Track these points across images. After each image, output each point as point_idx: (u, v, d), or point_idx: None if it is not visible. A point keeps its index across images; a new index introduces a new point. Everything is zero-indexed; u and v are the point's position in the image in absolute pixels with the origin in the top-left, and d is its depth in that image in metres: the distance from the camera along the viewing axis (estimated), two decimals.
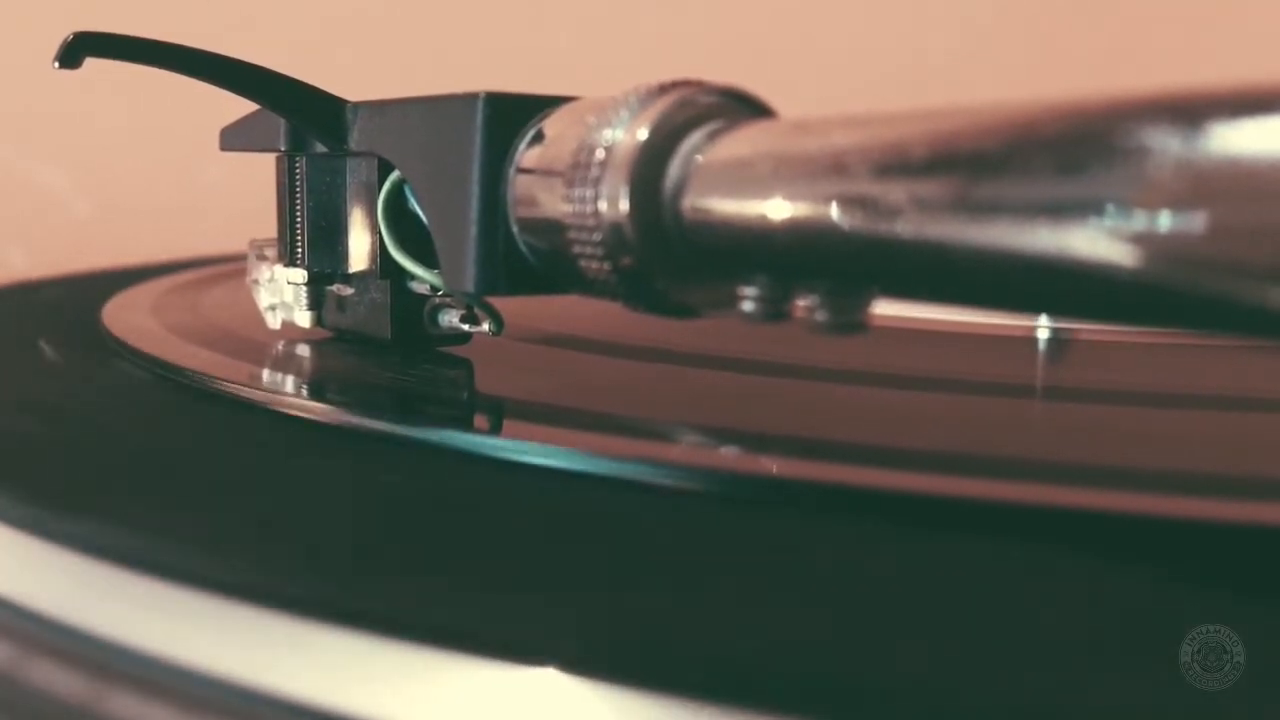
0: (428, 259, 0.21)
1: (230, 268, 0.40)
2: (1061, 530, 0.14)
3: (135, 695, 0.13)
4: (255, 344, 0.25)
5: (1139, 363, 0.25)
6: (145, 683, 0.13)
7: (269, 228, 0.27)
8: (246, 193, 0.45)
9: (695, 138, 0.17)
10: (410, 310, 0.23)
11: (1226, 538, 0.14)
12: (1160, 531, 0.14)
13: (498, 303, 0.22)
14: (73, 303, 0.33)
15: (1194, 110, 0.11)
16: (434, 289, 0.22)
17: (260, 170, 0.29)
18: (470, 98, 0.20)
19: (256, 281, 0.25)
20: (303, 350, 0.24)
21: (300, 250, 0.24)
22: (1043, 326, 0.28)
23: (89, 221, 0.54)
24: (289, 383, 0.22)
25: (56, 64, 0.19)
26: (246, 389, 0.21)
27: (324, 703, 0.12)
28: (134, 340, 0.25)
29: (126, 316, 0.29)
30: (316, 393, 0.21)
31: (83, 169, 0.54)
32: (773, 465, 0.16)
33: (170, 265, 0.41)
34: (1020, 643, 0.11)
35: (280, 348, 0.25)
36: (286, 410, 0.20)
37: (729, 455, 0.17)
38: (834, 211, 0.14)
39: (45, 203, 0.53)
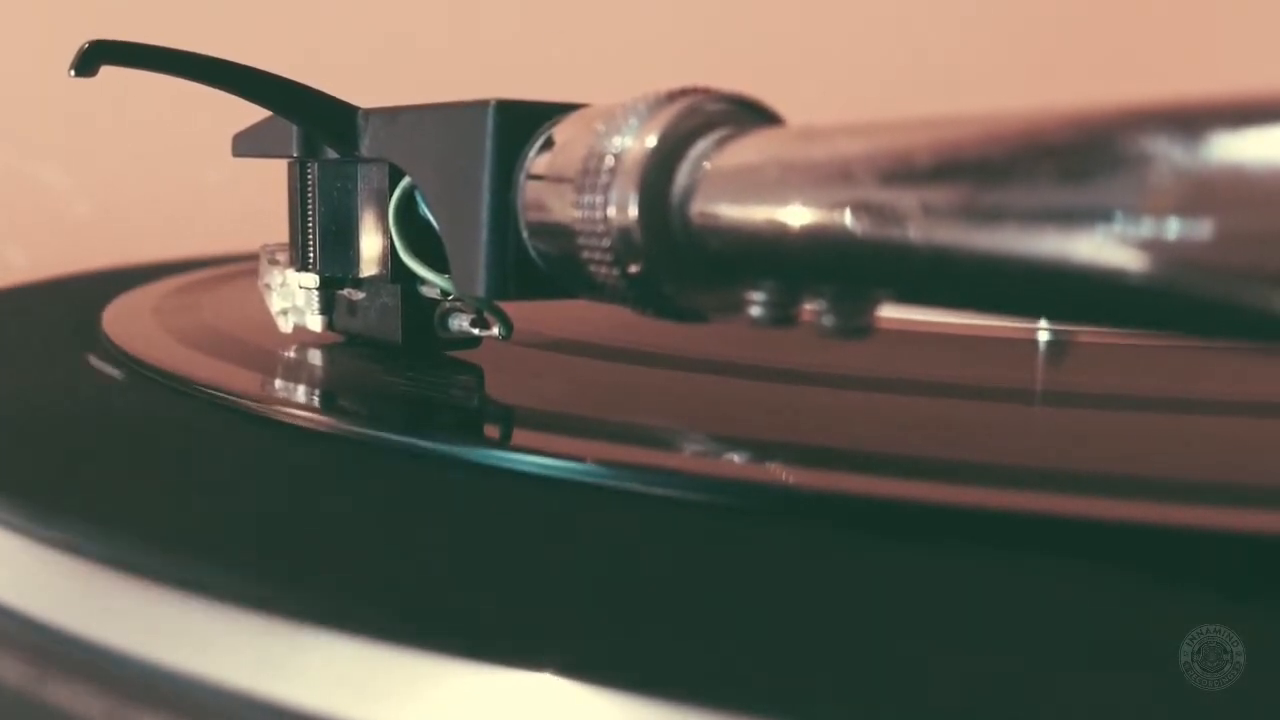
0: (438, 264, 0.22)
1: (232, 269, 0.40)
2: (1062, 535, 0.14)
3: (133, 701, 0.13)
4: (258, 348, 0.25)
5: (1140, 366, 0.25)
6: (141, 688, 0.13)
7: (269, 229, 0.27)
8: (247, 194, 0.46)
9: (703, 144, 0.17)
10: (421, 314, 0.23)
11: (1227, 543, 0.14)
12: (1161, 536, 0.14)
13: (507, 307, 0.22)
14: (73, 304, 0.33)
15: (1201, 119, 0.11)
16: (444, 293, 0.22)
17: (261, 172, 0.29)
18: (481, 105, 0.20)
19: (268, 286, 0.26)
20: (308, 355, 0.25)
21: (312, 255, 0.24)
22: (1043, 329, 0.28)
23: (89, 222, 0.54)
24: (294, 389, 0.22)
25: (72, 72, 0.19)
26: (249, 395, 0.21)
27: (326, 711, 0.12)
28: (134, 344, 0.25)
29: (127, 319, 0.29)
30: (319, 400, 0.22)
31: (83, 169, 0.54)
32: (780, 473, 0.16)
33: (171, 266, 0.41)
34: (1021, 647, 0.12)
35: (284, 352, 0.25)
36: (291, 418, 0.20)
37: (733, 463, 0.17)
38: (841, 218, 0.15)
39: (46, 203, 0.53)
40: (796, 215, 0.15)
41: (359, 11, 0.56)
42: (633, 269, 0.17)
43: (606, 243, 0.18)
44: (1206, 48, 0.57)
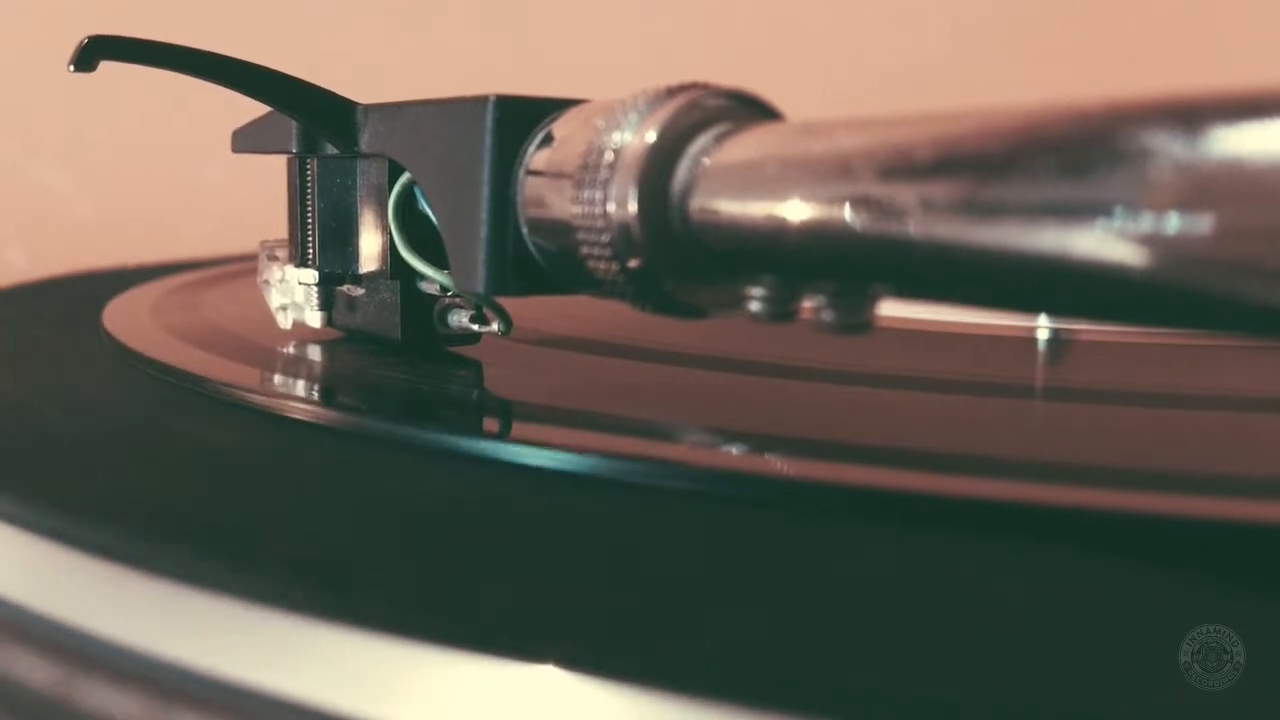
0: (437, 260, 0.22)
1: (231, 268, 0.40)
2: (1061, 530, 0.14)
3: (134, 695, 0.13)
4: (256, 345, 0.25)
5: (1139, 362, 0.25)
6: (144, 681, 0.13)
7: (269, 229, 0.27)
8: (247, 194, 0.46)
9: (703, 140, 0.17)
10: (420, 311, 0.23)
11: (1226, 537, 0.14)
12: (1160, 531, 0.14)
13: (506, 303, 0.22)
14: (73, 304, 0.33)
15: (1201, 113, 0.11)
16: (443, 289, 0.22)
17: (261, 171, 0.29)
18: (480, 100, 0.20)
19: (268, 282, 0.26)
20: (306, 351, 0.25)
21: (311, 251, 0.24)
22: (1043, 327, 0.28)
23: (89, 222, 0.54)
24: (292, 384, 0.22)
25: (71, 67, 0.19)
26: (248, 391, 0.21)
27: (328, 704, 0.12)
28: (133, 342, 0.25)
29: (126, 318, 0.29)
30: (320, 395, 0.22)
31: (84, 169, 0.54)
32: (778, 464, 0.16)
33: (171, 266, 0.42)
34: (1020, 642, 0.12)
35: (282, 348, 0.25)
36: (289, 412, 0.20)
37: (732, 455, 0.17)
38: (841, 213, 0.15)
39: (46, 203, 0.53)
40: (796, 210, 0.15)
41: (359, 8, 0.56)
42: (632, 264, 0.17)
43: (606, 238, 0.18)
44: (1206, 44, 0.57)
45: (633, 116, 0.18)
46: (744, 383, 0.22)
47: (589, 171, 0.18)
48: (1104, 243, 0.12)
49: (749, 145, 0.17)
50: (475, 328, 0.23)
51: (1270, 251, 0.11)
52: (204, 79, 0.21)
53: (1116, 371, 0.24)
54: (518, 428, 0.19)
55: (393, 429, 0.19)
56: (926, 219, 0.14)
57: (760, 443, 0.18)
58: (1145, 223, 0.12)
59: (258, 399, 0.21)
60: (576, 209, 0.18)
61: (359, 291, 0.24)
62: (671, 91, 0.18)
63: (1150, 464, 0.17)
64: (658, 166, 0.17)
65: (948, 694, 0.11)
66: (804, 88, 0.54)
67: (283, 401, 0.20)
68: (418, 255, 0.22)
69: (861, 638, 0.12)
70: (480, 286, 0.20)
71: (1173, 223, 0.11)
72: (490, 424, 0.20)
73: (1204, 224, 0.11)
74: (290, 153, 0.24)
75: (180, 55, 0.21)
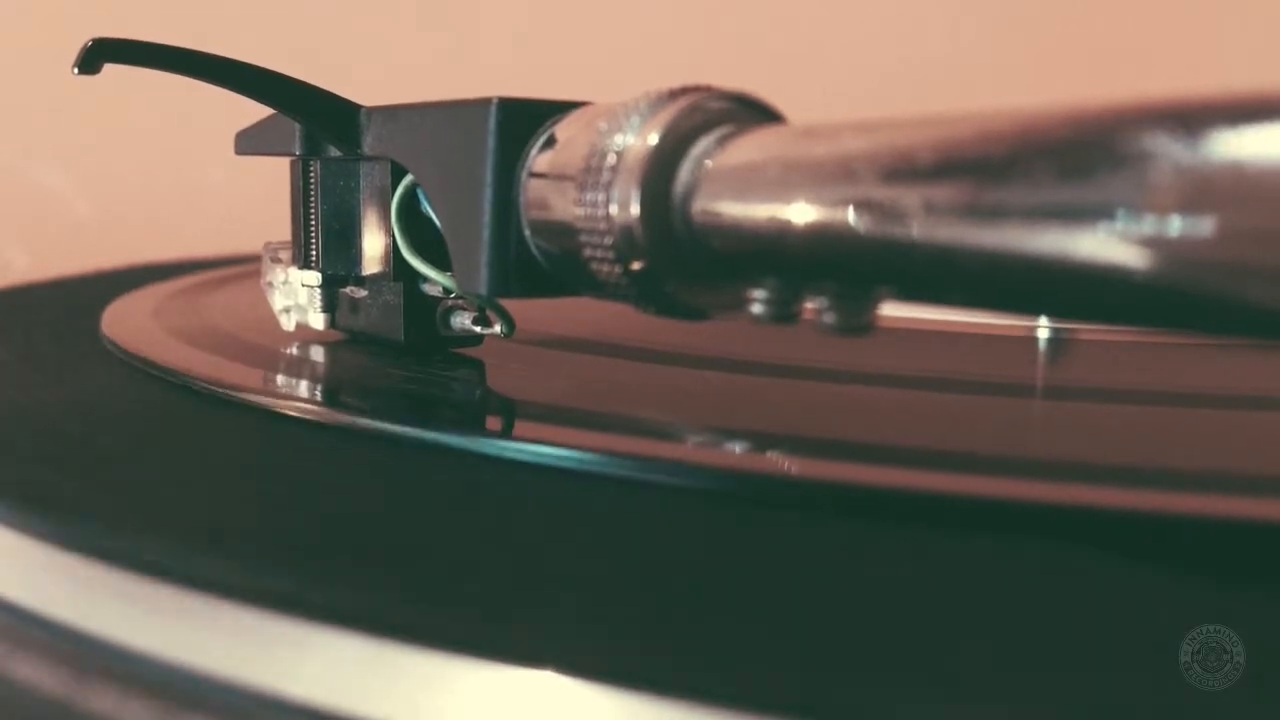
0: (440, 262, 0.22)
1: (232, 270, 0.40)
2: (1062, 529, 0.14)
3: (140, 699, 0.13)
4: (258, 347, 0.25)
5: (1139, 362, 0.25)
6: (150, 686, 0.13)
7: (270, 230, 0.27)
8: (248, 195, 0.46)
9: (705, 143, 0.17)
10: (423, 312, 0.23)
11: (1226, 535, 0.14)
12: (1160, 529, 0.14)
13: (509, 305, 0.22)
14: (73, 305, 0.33)
15: (1201, 116, 0.11)
16: (446, 291, 0.22)
17: (262, 172, 0.29)
18: (483, 103, 0.20)
19: (271, 284, 0.26)
20: (309, 353, 0.25)
21: (314, 253, 0.24)
22: (1043, 326, 0.28)
23: (90, 223, 0.54)
24: (295, 385, 0.22)
25: (76, 70, 0.19)
26: (251, 393, 0.21)
27: (332, 707, 0.12)
28: (135, 344, 0.25)
29: (127, 319, 0.29)
30: (322, 395, 0.22)
31: (84, 170, 0.54)
32: (782, 464, 0.16)
33: (171, 267, 0.42)
34: (1021, 641, 0.12)
35: (285, 350, 0.25)
36: (293, 413, 0.20)
37: (734, 455, 0.17)
38: (843, 215, 0.15)
39: (46, 204, 0.53)
40: (798, 213, 0.15)
41: (362, 10, 0.56)
42: (635, 266, 0.18)
43: (609, 240, 0.18)
44: (1206, 45, 0.57)
45: (635, 119, 0.18)
46: (745, 383, 0.22)
47: (591, 174, 0.18)
48: (1105, 246, 0.12)
49: (751, 148, 0.17)
50: (478, 329, 0.23)
51: (1271, 254, 0.11)
52: (208, 82, 0.21)
53: (1117, 370, 0.24)
54: (520, 426, 0.19)
55: (395, 429, 0.19)
56: (929, 222, 0.14)
57: (762, 441, 0.18)
58: (1146, 226, 0.12)
59: (261, 400, 0.21)
60: (579, 211, 0.18)
61: (362, 293, 0.24)
62: (674, 94, 0.18)
63: (1151, 463, 0.17)
64: (660, 169, 0.17)
65: (947, 694, 0.11)
66: (804, 88, 0.54)
67: (286, 402, 0.21)
68: (421, 257, 0.22)
69: (862, 637, 0.12)
70: (483, 288, 0.20)
71: (1173, 226, 0.11)
72: (492, 423, 0.20)
73: (1204, 227, 0.11)
74: (293, 155, 0.24)
75: (184, 58, 0.21)
